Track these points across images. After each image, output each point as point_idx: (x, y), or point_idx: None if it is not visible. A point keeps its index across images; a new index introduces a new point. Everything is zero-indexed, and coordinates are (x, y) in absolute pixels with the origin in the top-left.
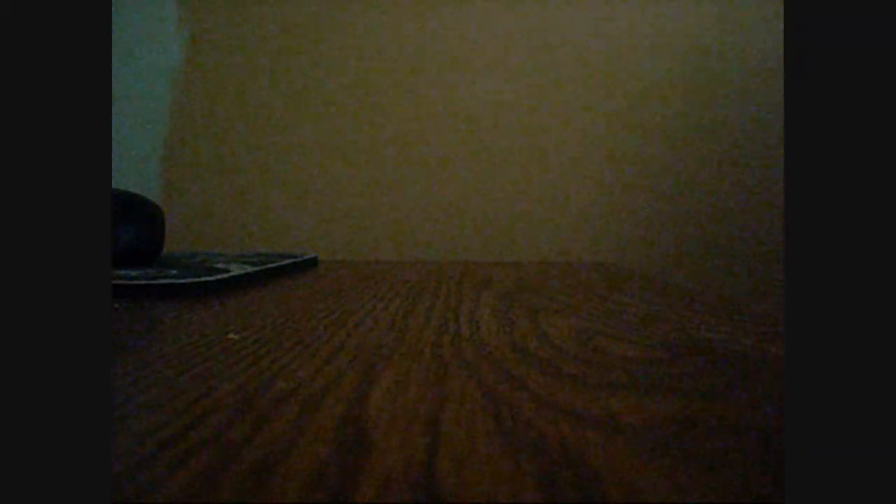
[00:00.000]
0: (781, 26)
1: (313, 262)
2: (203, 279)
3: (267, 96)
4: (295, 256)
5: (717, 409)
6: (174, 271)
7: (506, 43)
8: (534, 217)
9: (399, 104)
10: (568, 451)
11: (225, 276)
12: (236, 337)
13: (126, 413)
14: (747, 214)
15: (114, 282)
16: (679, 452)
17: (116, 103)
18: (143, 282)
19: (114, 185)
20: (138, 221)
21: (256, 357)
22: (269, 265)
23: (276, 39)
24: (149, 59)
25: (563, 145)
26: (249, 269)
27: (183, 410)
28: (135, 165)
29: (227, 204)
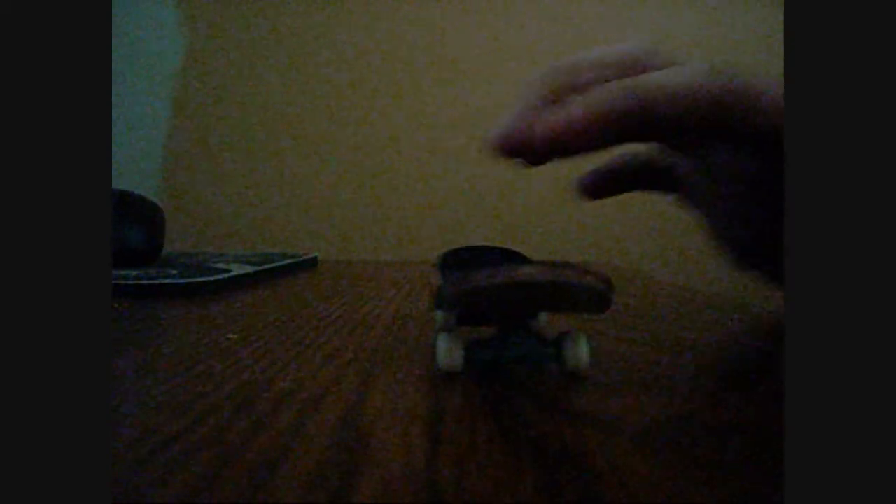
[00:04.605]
0: (782, 27)
1: (313, 262)
2: (203, 279)
3: (267, 96)
4: (295, 256)
5: (716, 409)
6: (174, 271)
7: (506, 43)
8: (534, 217)
9: (400, 104)
10: (568, 451)
11: (225, 276)
12: (236, 337)
13: (126, 413)
14: None
15: (114, 282)
16: (679, 452)
17: (116, 103)
18: (143, 282)
19: (114, 185)
20: (138, 221)
21: (256, 357)
22: (269, 265)
23: (276, 40)
24: (149, 60)
25: None
26: (249, 269)
27: (183, 410)
28: (135, 165)
29: (227, 204)
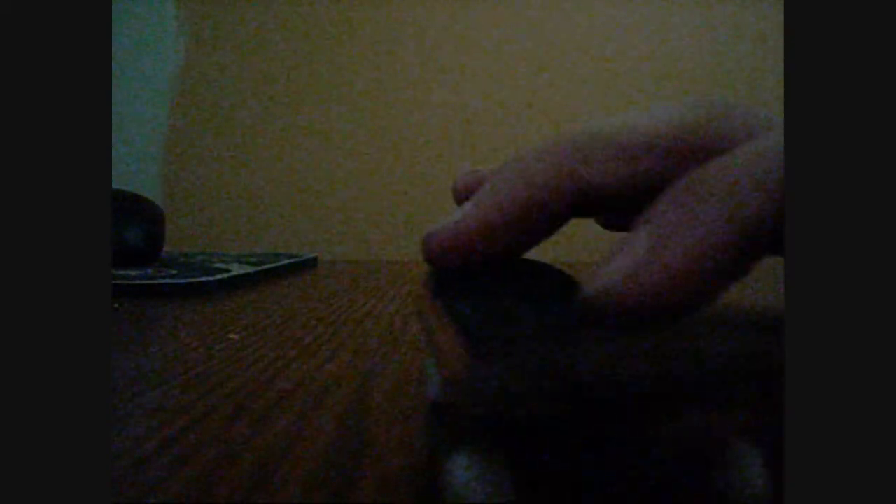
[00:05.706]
0: (782, 28)
1: (313, 262)
2: (203, 279)
3: (266, 96)
4: (295, 256)
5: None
6: (174, 271)
7: (507, 44)
8: None
9: (400, 104)
10: None
11: (225, 276)
12: (236, 337)
13: (126, 413)
14: None
15: (114, 282)
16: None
17: (116, 103)
18: (143, 282)
19: (114, 185)
20: (138, 221)
21: (256, 357)
22: (269, 265)
23: (275, 40)
24: (149, 60)
25: None
26: (249, 269)
27: (183, 410)
28: (135, 165)
29: (227, 204)
